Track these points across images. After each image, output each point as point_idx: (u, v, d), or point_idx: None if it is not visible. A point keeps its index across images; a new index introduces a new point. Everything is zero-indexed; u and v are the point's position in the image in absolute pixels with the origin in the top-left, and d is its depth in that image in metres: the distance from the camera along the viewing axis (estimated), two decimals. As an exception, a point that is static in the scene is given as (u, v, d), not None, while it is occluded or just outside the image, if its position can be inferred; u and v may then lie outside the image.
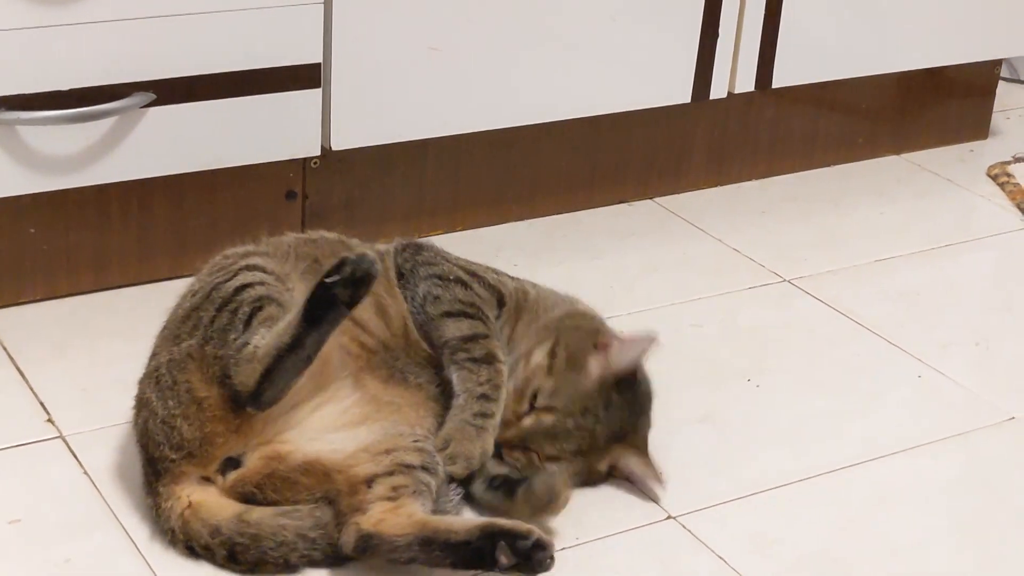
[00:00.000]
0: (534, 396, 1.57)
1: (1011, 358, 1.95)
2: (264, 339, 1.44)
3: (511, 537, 1.40)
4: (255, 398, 1.44)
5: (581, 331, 1.62)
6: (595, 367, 1.58)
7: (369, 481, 1.45)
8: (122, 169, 1.83)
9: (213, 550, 1.43)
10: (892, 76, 2.46)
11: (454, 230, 2.16)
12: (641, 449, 1.61)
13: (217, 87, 1.85)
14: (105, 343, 1.62)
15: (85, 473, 1.58)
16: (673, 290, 2.05)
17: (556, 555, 1.48)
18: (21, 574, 1.44)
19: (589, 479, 1.60)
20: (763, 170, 2.42)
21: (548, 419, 1.56)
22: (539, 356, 1.59)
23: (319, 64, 1.90)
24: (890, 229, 2.28)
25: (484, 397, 1.54)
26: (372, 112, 1.97)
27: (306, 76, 1.89)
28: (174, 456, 1.46)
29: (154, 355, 1.53)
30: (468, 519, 1.47)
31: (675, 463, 1.66)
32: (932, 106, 2.55)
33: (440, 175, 2.13)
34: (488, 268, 1.70)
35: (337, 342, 1.52)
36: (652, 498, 1.60)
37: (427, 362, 1.60)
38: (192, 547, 1.45)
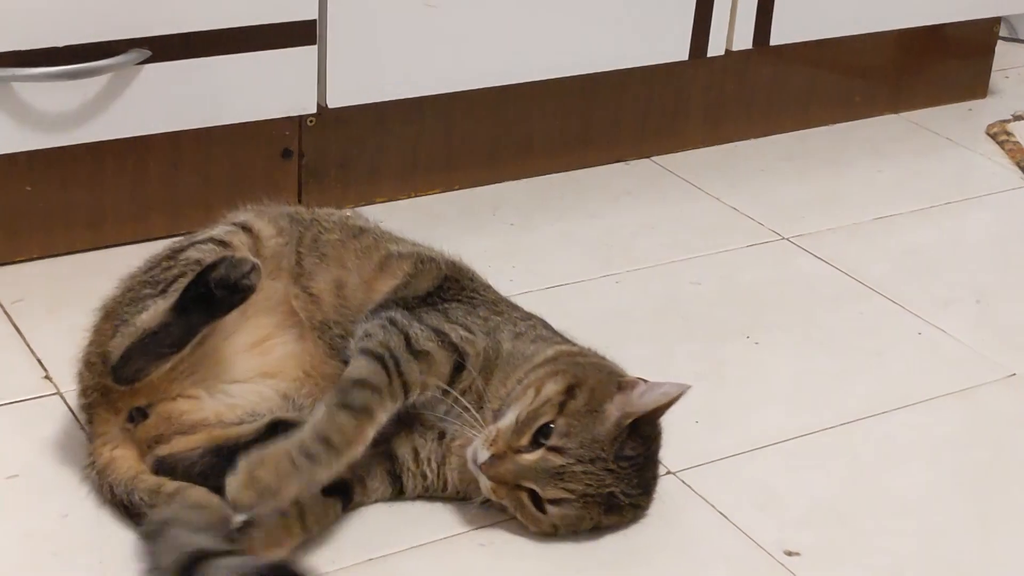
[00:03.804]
0: (541, 433, 1.42)
1: (1012, 315, 1.95)
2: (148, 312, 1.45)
3: (293, 426, 1.40)
4: (115, 371, 1.45)
5: (602, 371, 1.49)
6: (614, 410, 1.44)
7: None
8: (118, 126, 1.82)
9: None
10: (891, 34, 2.45)
11: (450, 189, 2.15)
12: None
13: (213, 44, 1.83)
14: (101, 301, 1.62)
15: (83, 429, 1.57)
16: (671, 248, 2.04)
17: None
18: (18, 529, 1.43)
19: (580, 526, 1.46)
20: (760, 128, 2.40)
21: (557, 459, 1.41)
22: (551, 391, 1.44)
23: (315, 21, 1.88)
24: (889, 187, 2.27)
25: (326, 442, 1.35)
26: (368, 69, 1.95)
27: (302, 33, 1.88)
28: (83, 401, 1.51)
29: None
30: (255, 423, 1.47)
31: (674, 419, 1.65)
32: (931, 64, 2.54)
33: (436, 133, 2.12)
34: (470, 314, 1.53)
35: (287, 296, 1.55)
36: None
37: None
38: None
